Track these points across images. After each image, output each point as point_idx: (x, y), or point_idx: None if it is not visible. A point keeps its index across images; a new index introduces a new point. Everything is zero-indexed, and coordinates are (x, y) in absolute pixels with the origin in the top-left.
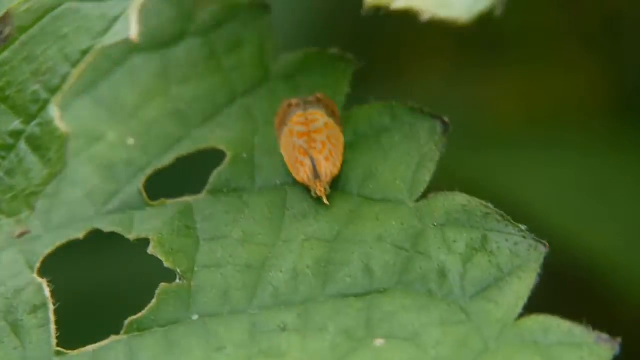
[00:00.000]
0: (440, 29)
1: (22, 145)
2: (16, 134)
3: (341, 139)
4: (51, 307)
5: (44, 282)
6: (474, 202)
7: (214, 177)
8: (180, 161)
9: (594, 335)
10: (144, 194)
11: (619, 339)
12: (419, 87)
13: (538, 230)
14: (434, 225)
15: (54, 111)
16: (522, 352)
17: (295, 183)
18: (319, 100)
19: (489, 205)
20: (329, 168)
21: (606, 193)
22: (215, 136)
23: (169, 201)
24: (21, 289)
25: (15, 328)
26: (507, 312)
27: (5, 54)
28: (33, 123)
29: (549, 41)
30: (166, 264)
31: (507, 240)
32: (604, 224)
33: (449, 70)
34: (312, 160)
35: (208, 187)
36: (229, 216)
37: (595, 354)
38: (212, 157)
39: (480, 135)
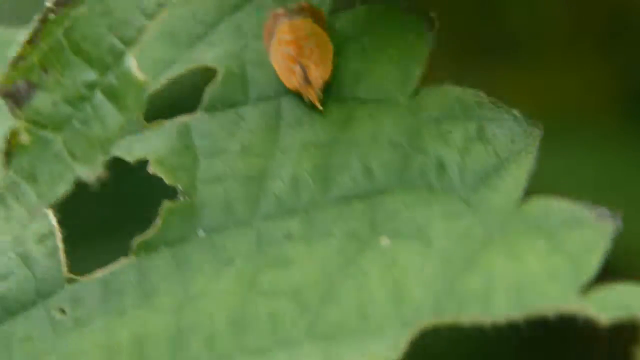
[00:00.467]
0: (446, 28)
1: (98, 95)
2: (92, 85)
3: (329, 44)
4: (59, 235)
5: (49, 212)
6: (468, 93)
7: (207, 94)
8: (174, 83)
9: (595, 212)
10: (141, 117)
11: (621, 212)
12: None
13: None
14: (429, 119)
15: (130, 61)
16: (526, 238)
17: (288, 92)
18: (304, 9)
19: (482, 94)
20: (319, 73)
21: (622, 190)
22: (205, 56)
23: (167, 122)
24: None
25: (25, 259)
26: (508, 198)
27: (81, 8)
28: (109, 74)
29: (556, 41)
30: (167, 182)
31: (502, 127)
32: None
33: (455, 70)
34: (302, 66)
35: (203, 104)
36: (225, 131)
37: (599, 231)
38: (204, 77)
39: None
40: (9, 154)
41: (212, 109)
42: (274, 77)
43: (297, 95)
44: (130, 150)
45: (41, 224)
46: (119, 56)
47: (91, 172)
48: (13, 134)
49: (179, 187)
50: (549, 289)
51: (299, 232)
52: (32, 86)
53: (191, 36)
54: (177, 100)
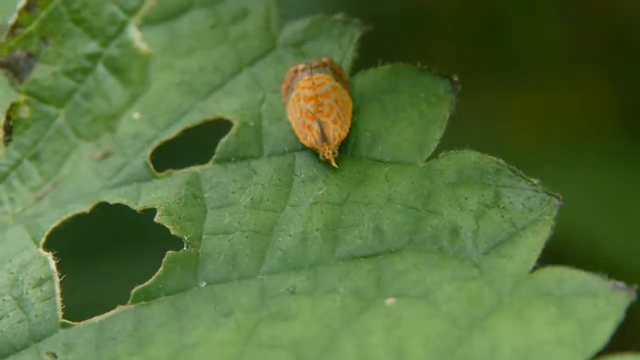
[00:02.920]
0: (450, 48)
1: (100, 68)
2: (93, 57)
3: (349, 102)
4: (57, 280)
5: (49, 255)
6: (486, 159)
7: (221, 146)
8: (188, 133)
9: (609, 284)
10: (151, 166)
11: (635, 287)
12: None
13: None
14: (445, 183)
15: (133, 32)
16: (536, 304)
17: (304, 148)
18: (325, 65)
19: (501, 161)
20: (337, 131)
21: (624, 208)
22: (221, 107)
23: (176, 172)
24: (27, 263)
25: (20, 302)
26: (520, 265)
27: None
28: (111, 45)
29: (559, 60)
30: (173, 232)
31: (519, 195)
32: (627, 239)
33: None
34: (320, 123)
35: (215, 156)
36: (236, 184)
37: (612, 302)
38: (219, 128)
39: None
40: (9, 130)
41: (224, 160)
42: (290, 133)
43: (313, 152)
44: (138, 197)
45: (40, 268)
46: (121, 26)
47: (96, 149)
48: (13, 108)
49: (185, 237)
50: (557, 356)
51: (303, 288)
52: (31, 56)
53: (209, 85)
54: (189, 150)
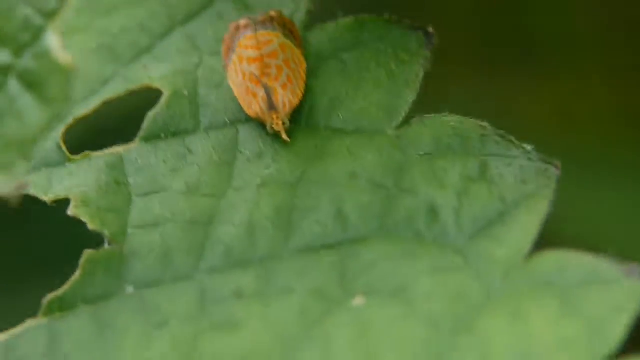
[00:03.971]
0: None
1: (13, 83)
2: (4, 69)
3: (302, 62)
4: None
5: None
6: (468, 123)
7: (148, 121)
8: (108, 106)
9: (623, 269)
10: (64, 148)
11: None
12: (447, 97)
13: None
14: (420, 154)
15: (52, 39)
16: (534, 298)
17: (248, 119)
18: (272, 19)
19: (486, 125)
20: (287, 97)
21: None
22: (149, 73)
23: (95, 154)
24: None
25: None
26: (513, 251)
27: None
28: (26, 55)
29: (580, 50)
30: (91, 227)
31: (510, 165)
32: None
33: (478, 80)
34: (267, 89)
35: (142, 133)
36: (167, 165)
37: (626, 290)
38: (147, 99)
39: None
40: None
41: (152, 138)
42: (232, 101)
43: (259, 123)
44: (48, 186)
45: None
46: (37, 33)
47: (9, 183)
48: None
49: (106, 232)
50: None
51: (251, 289)
52: None
53: (134, 49)
54: (109, 127)
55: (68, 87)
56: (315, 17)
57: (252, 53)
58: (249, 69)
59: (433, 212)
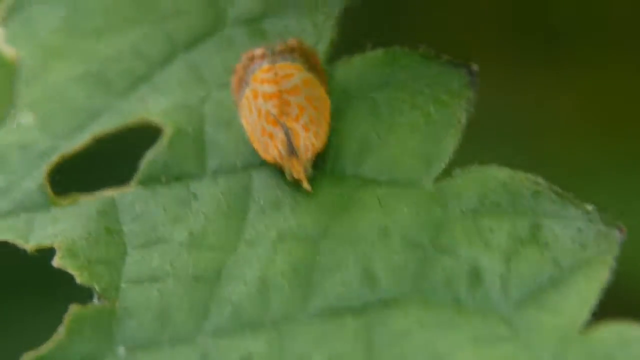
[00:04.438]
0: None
1: None
2: None
3: (326, 100)
4: None
5: None
6: (519, 178)
7: (147, 162)
8: (100, 143)
9: None
10: (48, 189)
11: None
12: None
13: None
14: (462, 211)
15: None
16: None
17: (263, 164)
18: (293, 50)
19: (539, 180)
20: (309, 140)
21: None
22: (147, 106)
23: (84, 197)
24: None
25: None
26: (567, 321)
27: None
28: None
29: (611, 39)
30: (80, 280)
31: (566, 227)
32: None
33: (510, 74)
34: (286, 130)
35: (139, 175)
36: (169, 213)
37: None
38: (144, 136)
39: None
40: None
41: (151, 181)
42: (244, 143)
43: (276, 169)
44: (29, 233)
45: None
46: None
47: None
48: None
49: (96, 287)
50: None
51: (262, 356)
52: None
53: (128, 78)
54: (101, 167)
55: (11, 85)
56: (340, 48)
57: (268, 88)
58: (265, 106)
59: (476, 276)
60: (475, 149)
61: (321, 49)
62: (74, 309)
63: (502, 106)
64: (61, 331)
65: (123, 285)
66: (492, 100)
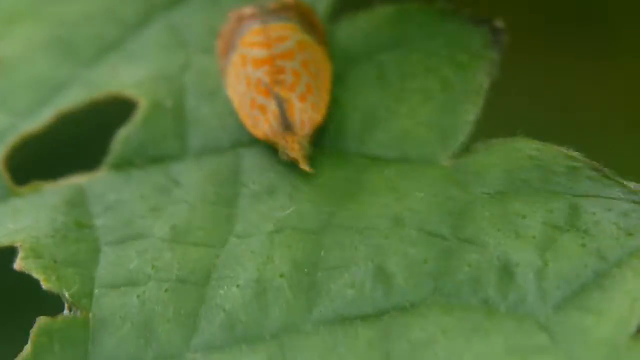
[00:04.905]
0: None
1: None
2: None
3: (327, 66)
4: None
5: None
6: (551, 151)
7: (119, 142)
8: (65, 120)
9: None
10: (7, 177)
11: None
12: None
13: None
14: (487, 194)
15: None
16: None
17: (255, 141)
18: (287, 8)
19: (575, 154)
20: (306, 113)
21: None
22: (119, 76)
23: (48, 185)
24: None
25: None
26: (616, 326)
27: None
28: None
29: None
30: (45, 286)
31: (609, 210)
32: None
33: (542, 66)
34: (279, 101)
35: (110, 158)
36: (146, 202)
37: None
38: (116, 111)
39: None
40: None
41: (125, 165)
42: (231, 117)
43: (269, 147)
44: None
45: None
46: None
47: None
48: None
49: (65, 294)
50: None
51: None
52: None
53: (98, 43)
54: (67, 148)
55: None
56: (344, 6)
57: (259, 53)
58: (255, 74)
59: (506, 272)
60: (499, 119)
61: (322, 6)
62: (41, 321)
63: (534, 70)
64: (27, 349)
65: (97, 291)
66: (521, 63)
